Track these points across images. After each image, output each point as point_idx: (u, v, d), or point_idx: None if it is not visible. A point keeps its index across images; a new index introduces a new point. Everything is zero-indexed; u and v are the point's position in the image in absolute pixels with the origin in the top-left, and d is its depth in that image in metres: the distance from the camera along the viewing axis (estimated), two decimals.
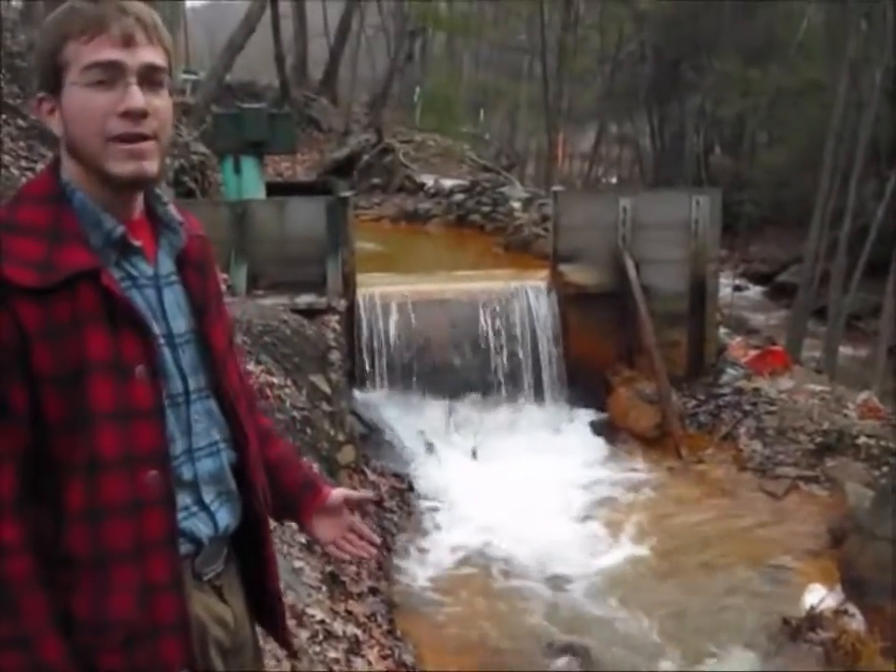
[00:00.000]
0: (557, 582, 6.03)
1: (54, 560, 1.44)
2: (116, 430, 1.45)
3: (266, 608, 1.79)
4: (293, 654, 1.93)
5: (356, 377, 8.31)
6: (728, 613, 5.60)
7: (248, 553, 1.74)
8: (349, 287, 8.51)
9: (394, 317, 8.54)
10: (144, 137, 1.47)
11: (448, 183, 15.52)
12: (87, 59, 1.44)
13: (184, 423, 1.58)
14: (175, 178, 10.66)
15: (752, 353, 9.50)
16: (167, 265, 1.60)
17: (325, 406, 6.51)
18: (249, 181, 10.73)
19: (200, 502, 1.60)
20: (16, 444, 1.42)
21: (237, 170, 10.72)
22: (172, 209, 1.62)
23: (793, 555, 6.24)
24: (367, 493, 2.22)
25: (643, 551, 6.45)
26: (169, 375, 1.55)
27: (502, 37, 30.78)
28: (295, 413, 5.90)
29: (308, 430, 5.95)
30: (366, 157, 17.68)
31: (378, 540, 2.03)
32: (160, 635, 1.50)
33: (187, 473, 1.57)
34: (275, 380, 6.09)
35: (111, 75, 1.45)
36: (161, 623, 1.50)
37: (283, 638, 1.89)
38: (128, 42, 1.45)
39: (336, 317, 7.99)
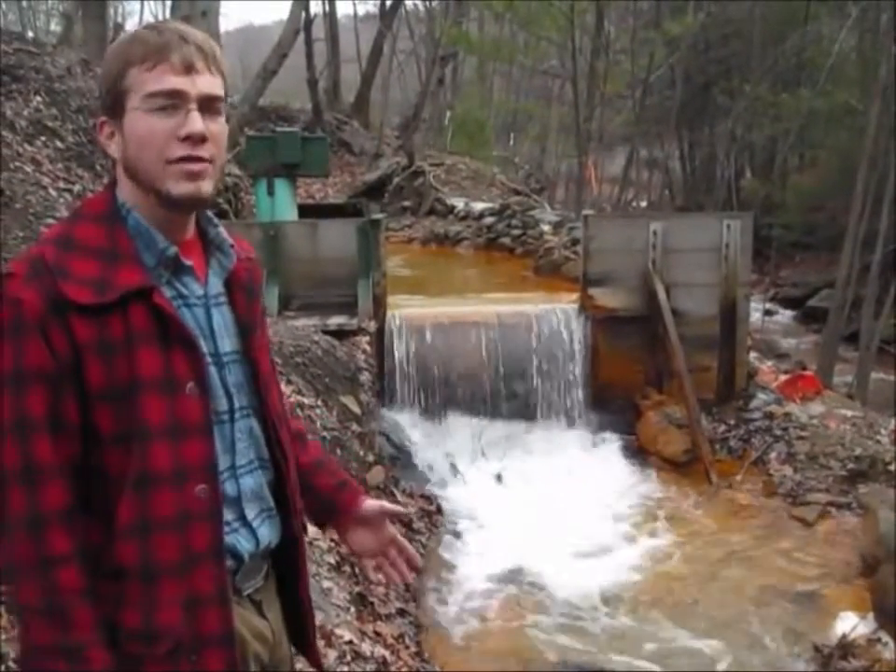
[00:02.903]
0: (585, 607, 6.00)
1: (102, 571, 1.48)
2: (167, 445, 1.50)
3: (297, 625, 1.82)
4: (321, 669, 1.93)
5: (385, 398, 8.34)
6: (759, 640, 5.55)
7: (283, 571, 1.77)
8: (380, 309, 8.55)
9: (424, 339, 8.57)
10: (201, 160, 1.53)
11: (478, 206, 15.58)
12: (150, 87, 1.50)
13: (228, 440, 1.62)
14: None
15: (783, 378, 9.42)
16: (217, 286, 1.65)
17: (355, 427, 6.54)
18: (282, 203, 10.84)
19: (242, 518, 1.64)
20: (68, 457, 1.46)
21: (270, 192, 10.84)
22: (223, 231, 1.68)
23: (825, 582, 6.17)
24: (402, 508, 2.24)
25: (672, 577, 6.40)
26: (215, 393, 1.60)
27: (533, 62, 30.89)
28: (325, 434, 5.93)
29: (338, 451, 5.98)
30: (397, 179, 17.81)
31: (420, 563, 2.06)
32: (205, 647, 1.54)
33: (230, 489, 1.61)
34: (306, 400, 6.13)
35: (173, 102, 1.51)
36: (207, 635, 1.53)
37: (313, 657, 1.91)
38: (188, 70, 1.51)
39: (367, 338, 8.03)
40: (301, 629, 1.83)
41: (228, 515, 1.60)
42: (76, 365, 1.45)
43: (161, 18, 32.28)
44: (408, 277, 11.86)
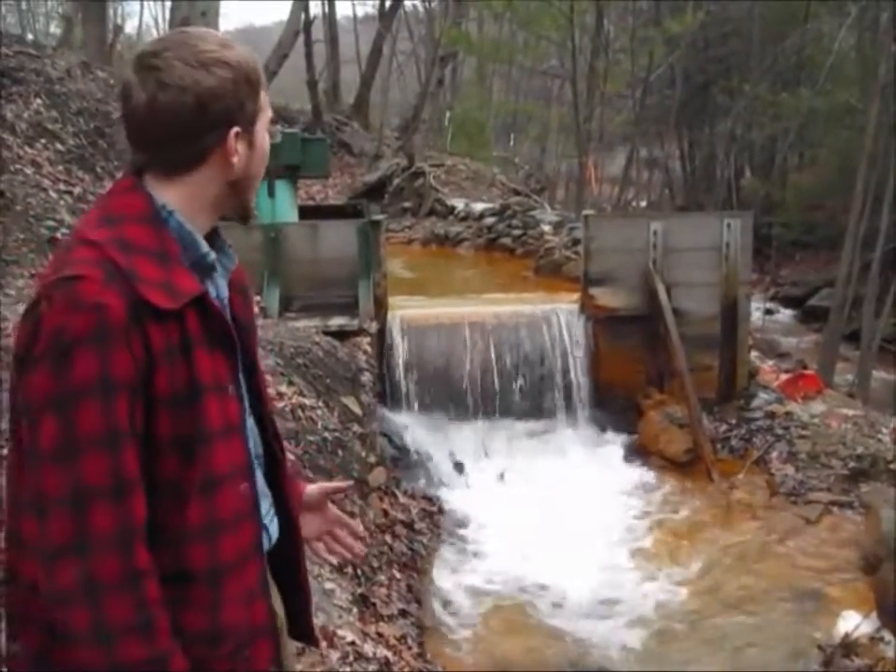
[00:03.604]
0: (588, 607, 6.01)
1: (160, 579, 1.45)
2: (225, 447, 1.53)
3: (296, 612, 1.87)
4: (318, 647, 2.04)
5: (387, 399, 8.35)
6: (761, 639, 5.55)
7: (282, 561, 1.80)
8: (381, 310, 8.56)
9: (425, 339, 8.57)
10: None
11: (478, 206, 15.57)
12: (270, 112, 1.66)
13: (247, 440, 1.65)
14: None
15: (784, 377, 9.42)
16: (224, 288, 1.66)
17: (356, 428, 6.54)
18: (282, 205, 10.83)
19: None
20: (141, 468, 1.44)
21: (271, 193, 10.82)
22: (223, 233, 1.69)
23: (827, 581, 6.18)
24: (343, 483, 2.30)
25: (674, 576, 6.41)
26: (242, 393, 1.64)
27: (533, 62, 30.90)
28: (327, 435, 5.93)
29: (339, 452, 5.98)
30: (397, 180, 17.80)
31: (363, 532, 2.12)
32: (256, 638, 1.59)
33: None
34: (307, 401, 6.13)
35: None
36: (258, 626, 1.60)
37: (314, 638, 1.98)
38: None
39: (368, 339, 8.03)
40: (299, 612, 1.87)
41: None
42: (147, 372, 1.43)
43: (160, 19, 32.29)
44: (408, 278, 11.86)
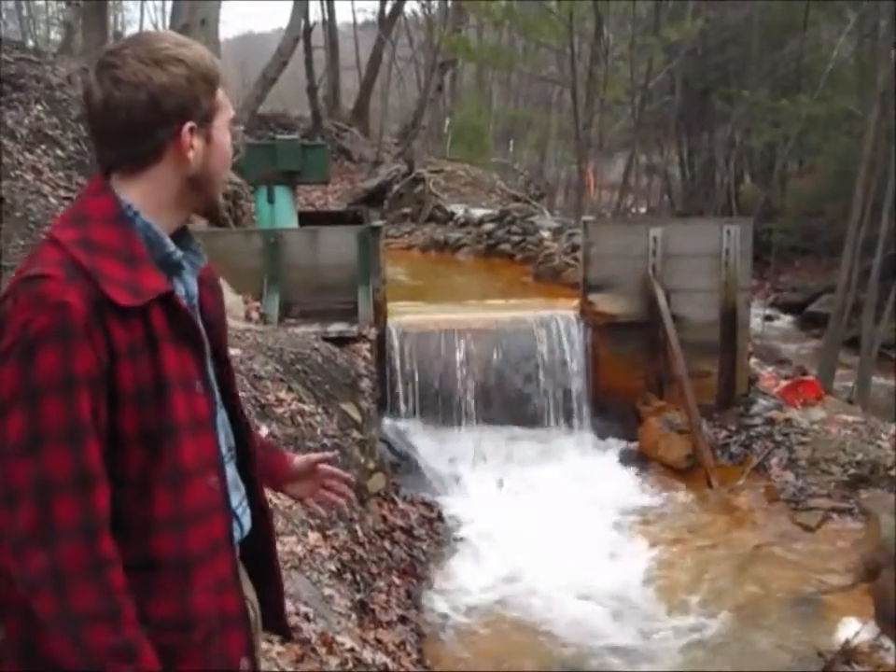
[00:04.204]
0: (586, 614, 6.00)
1: (125, 568, 1.48)
2: (192, 441, 1.56)
3: (269, 604, 1.88)
4: (291, 638, 2.07)
5: (386, 405, 8.34)
6: (761, 646, 5.54)
7: (254, 553, 1.83)
8: (380, 316, 8.56)
9: (424, 346, 8.57)
10: None
11: (478, 212, 15.57)
12: (230, 111, 1.67)
13: (217, 434, 1.68)
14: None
15: (784, 383, 9.43)
16: (193, 285, 1.69)
17: (355, 434, 6.54)
18: (282, 211, 10.84)
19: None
20: (106, 461, 1.47)
21: (270, 200, 10.84)
22: (191, 231, 1.72)
23: (826, 588, 6.17)
24: (329, 453, 2.32)
25: (673, 583, 6.40)
26: (210, 388, 1.67)
27: (532, 68, 30.92)
28: (326, 441, 5.93)
29: (339, 458, 5.96)
30: (396, 187, 17.81)
31: (351, 478, 2.22)
32: (227, 627, 1.62)
33: None
34: (306, 407, 6.13)
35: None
36: (229, 615, 1.63)
37: (286, 630, 2.03)
38: None
39: (367, 345, 8.03)
40: (273, 605, 1.89)
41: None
42: (110, 368, 1.46)
43: (160, 26, 32.33)
44: (408, 284, 11.86)
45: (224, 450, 1.70)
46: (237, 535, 1.71)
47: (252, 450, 1.82)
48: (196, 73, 1.58)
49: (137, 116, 1.54)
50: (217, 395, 1.71)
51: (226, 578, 1.62)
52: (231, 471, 1.72)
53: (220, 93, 1.63)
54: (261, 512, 1.83)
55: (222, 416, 1.72)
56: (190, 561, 1.55)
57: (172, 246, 1.60)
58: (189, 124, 1.57)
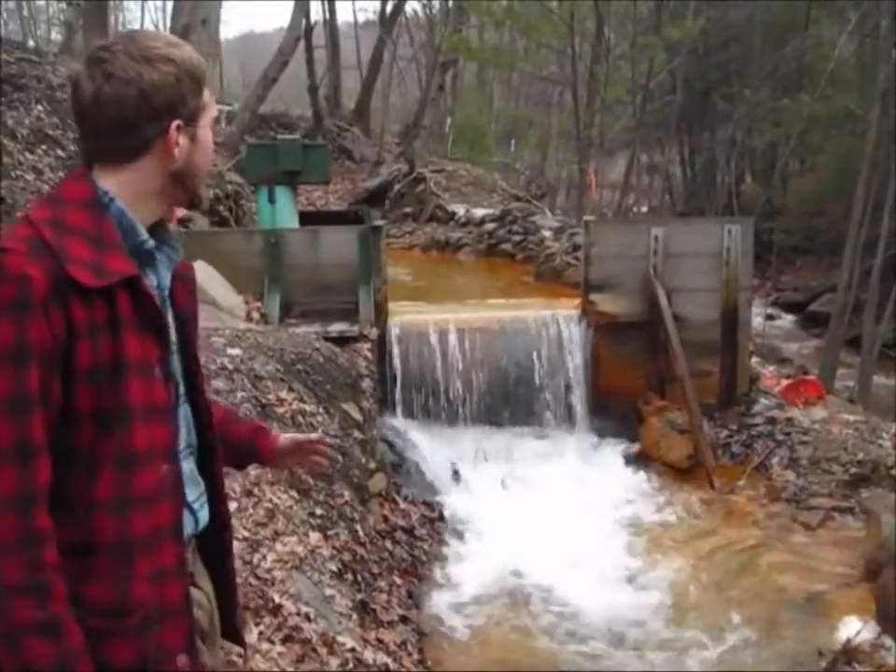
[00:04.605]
0: (588, 613, 5.99)
1: (64, 548, 1.48)
2: (144, 426, 1.57)
3: (222, 607, 1.88)
4: (244, 647, 2.06)
5: (387, 405, 8.34)
6: (762, 645, 5.54)
7: (211, 554, 1.86)
8: (381, 316, 8.56)
9: (425, 345, 8.56)
10: None
11: (479, 212, 15.58)
12: (214, 111, 1.71)
13: (174, 425, 1.69)
14: (209, 207, 10.81)
15: (785, 382, 9.43)
16: (166, 278, 1.72)
17: (356, 434, 6.54)
18: (283, 210, 10.85)
19: (184, 500, 1.70)
20: (51, 435, 1.48)
21: (271, 199, 10.85)
22: (169, 227, 1.76)
23: (828, 587, 6.16)
24: (313, 435, 2.33)
25: (675, 582, 6.39)
26: (171, 378, 1.68)
27: (533, 68, 30.92)
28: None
29: (340, 458, 5.97)
30: (398, 186, 17.82)
31: (329, 441, 2.38)
32: (167, 618, 1.60)
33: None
34: (307, 407, 6.13)
35: None
36: (169, 606, 1.61)
37: (238, 637, 1.98)
38: None
39: (368, 345, 8.03)
40: (226, 612, 1.89)
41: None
42: (66, 345, 1.48)
43: (161, 26, 32.36)
44: (409, 284, 11.86)
45: (182, 444, 1.71)
46: (191, 527, 1.72)
47: (214, 449, 1.83)
48: (184, 72, 1.62)
49: (127, 111, 1.57)
50: (182, 389, 1.73)
51: (169, 567, 1.61)
52: (188, 466, 1.73)
53: (206, 93, 1.67)
54: (219, 514, 1.84)
55: (185, 411, 1.74)
56: (132, 545, 1.55)
57: (145, 235, 1.62)
58: (176, 122, 1.61)
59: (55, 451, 1.49)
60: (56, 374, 1.48)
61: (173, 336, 1.70)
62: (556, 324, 8.79)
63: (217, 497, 1.83)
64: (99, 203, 1.59)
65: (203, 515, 1.77)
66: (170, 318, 1.70)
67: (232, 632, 1.93)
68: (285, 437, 2.14)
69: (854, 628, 5.45)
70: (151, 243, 1.63)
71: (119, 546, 1.54)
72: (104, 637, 1.52)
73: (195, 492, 1.75)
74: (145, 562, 1.56)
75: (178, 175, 1.66)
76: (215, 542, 1.84)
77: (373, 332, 8.24)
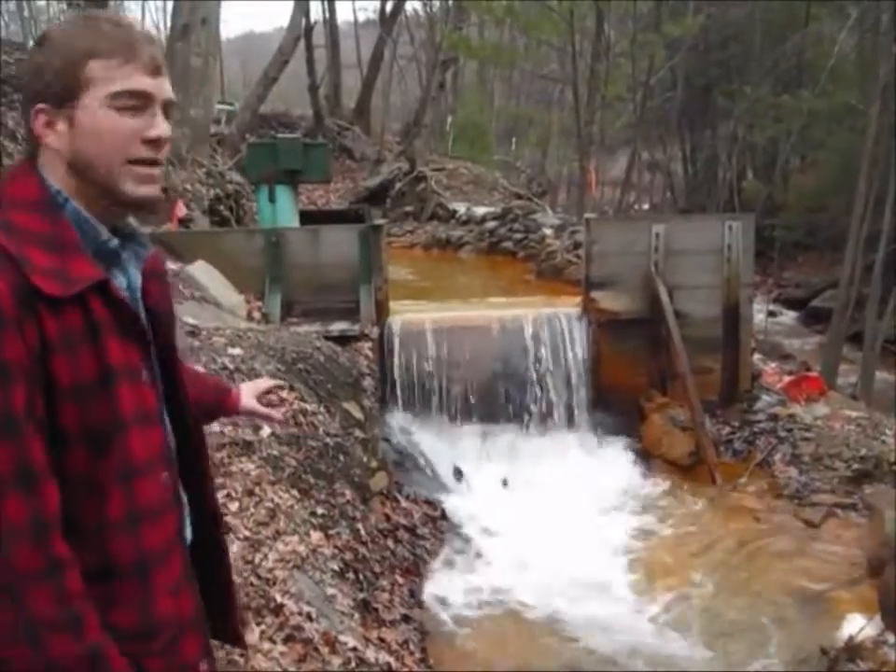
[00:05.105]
0: (589, 611, 5.99)
1: (83, 575, 1.40)
2: (141, 435, 1.49)
3: (221, 610, 1.81)
4: (245, 648, 2.01)
5: (388, 403, 8.34)
6: (764, 643, 5.53)
7: (203, 557, 1.75)
8: (382, 314, 8.55)
9: (426, 344, 8.56)
10: (158, 163, 1.53)
11: (480, 210, 15.58)
12: (117, 85, 1.46)
13: (166, 429, 1.63)
14: (210, 207, 10.81)
15: (787, 379, 9.41)
16: (137, 277, 1.61)
17: (358, 433, 6.53)
18: (284, 210, 10.85)
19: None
20: (49, 457, 1.39)
21: (272, 199, 10.85)
22: (134, 221, 1.64)
23: (830, 584, 6.15)
24: (272, 381, 2.40)
25: (677, 579, 6.39)
26: (155, 381, 1.60)
27: (534, 66, 30.91)
28: (328, 440, 5.92)
29: (341, 457, 5.96)
30: (398, 185, 17.84)
31: (281, 383, 2.52)
32: (185, 632, 1.55)
33: None
34: (308, 406, 6.12)
35: (139, 102, 1.48)
36: (187, 618, 1.56)
37: (240, 640, 1.93)
38: (156, 72, 1.50)
39: (369, 344, 8.02)
40: (225, 613, 1.83)
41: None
42: (43, 360, 1.38)
43: (161, 26, 32.34)
44: (410, 282, 11.86)
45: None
46: (187, 534, 1.67)
47: (200, 448, 1.77)
48: (55, 50, 1.48)
49: (22, 101, 1.54)
50: (162, 390, 1.64)
51: (181, 578, 1.56)
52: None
53: (93, 67, 1.46)
54: (211, 516, 1.78)
55: (167, 413, 1.67)
56: (149, 562, 1.48)
57: (106, 234, 1.51)
58: (38, 106, 1.48)
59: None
60: (39, 393, 1.37)
61: (150, 336, 1.61)
62: (558, 322, 8.78)
63: (207, 497, 1.77)
64: (54, 204, 1.48)
65: (188, 532, 1.70)
66: (144, 317, 1.60)
67: (233, 634, 1.87)
68: (245, 392, 2.21)
69: (857, 625, 5.44)
70: (115, 241, 1.53)
71: (138, 564, 1.47)
72: (133, 661, 1.44)
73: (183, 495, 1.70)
74: (162, 576, 1.51)
75: (72, 166, 1.49)
76: (209, 543, 1.77)
77: (374, 331, 8.24)
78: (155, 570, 1.50)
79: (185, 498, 1.68)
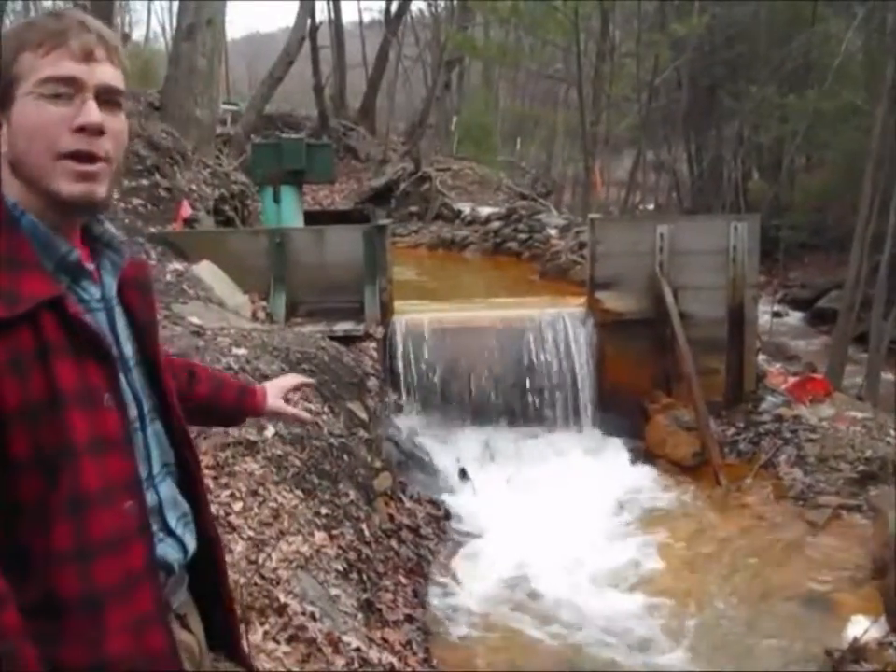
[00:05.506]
0: (594, 612, 5.98)
1: (25, 612, 1.32)
2: (95, 463, 1.39)
3: (221, 627, 1.76)
4: (249, 666, 1.93)
5: (393, 404, 8.33)
6: (768, 644, 5.52)
7: (201, 574, 1.70)
8: (387, 314, 8.56)
9: (431, 344, 8.56)
10: (96, 158, 1.41)
11: (485, 211, 15.60)
12: (43, 72, 1.38)
13: (142, 448, 1.53)
14: (214, 207, 10.82)
15: (792, 380, 9.39)
16: (112, 286, 1.54)
17: (362, 433, 6.53)
18: (288, 210, 10.86)
19: (166, 527, 1.56)
20: None
21: (276, 199, 10.85)
22: (111, 228, 1.57)
23: (835, 585, 6.14)
24: (297, 378, 2.32)
25: (681, 580, 6.38)
26: (127, 400, 1.50)
27: (539, 66, 30.92)
28: (332, 440, 5.92)
29: (345, 457, 5.97)
30: (403, 185, 17.84)
31: (309, 381, 2.42)
32: (156, 667, 1.46)
33: (151, 500, 1.53)
34: (313, 407, 6.12)
35: (68, 89, 1.39)
36: (154, 656, 1.45)
37: (242, 658, 1.86)
38: (87, 57, 1.40)
39: (374, 344, 8.03)
40: (225, 631, 1.78)
41: (153, 526, 1.52)
42: None
43: (167, 27, 32.37)
44: (415, 282, 11.86)
45: (157, 467, 1.56)
46: (179, 557, 1.58)
47: (194, 462, 1.68)
48: (2, 45, 1.41)
49: None
50: (148, 406, 1.56)
51: (149, 613, 1.45)
52: (166, 489, 1.58)
53: (22, 60, 1.39)
54: (207, 539, 1.69)
55: (155, 430, 1.57)
56: (100, 598, 1.38)
57: (64, 247, 1.43)
58: None
59: (2, 504, 1.33)
60: None
61: (128, 350, 1.53)
62: (562, 322, 8.77)
63: (200, 516, 1.67)
64: (9, 218, 1.40)
65: (190, 539, 1.62)
66: (123, 329, 1.53)
67: (234, 652, 1.82)
68: (272, 398, 2.13)
69: (862, 627, 5.43)
70: (75, 254, 1.44)
71: (88, 600, 1.37)
72: None
73: (175, 515, 1.59)
74: (119, 613, 1.40)
75: (14, 169, 1.41)
76: (206, 562, 1.69)
77: (379, 331, 8.24)
78: (110, 606, 1.39)
79: (174, 519, 1.59)
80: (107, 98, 1.43)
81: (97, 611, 1.38)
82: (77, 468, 1.36)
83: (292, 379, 2.28)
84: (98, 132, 1.40)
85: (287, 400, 2.20)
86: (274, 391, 2.16)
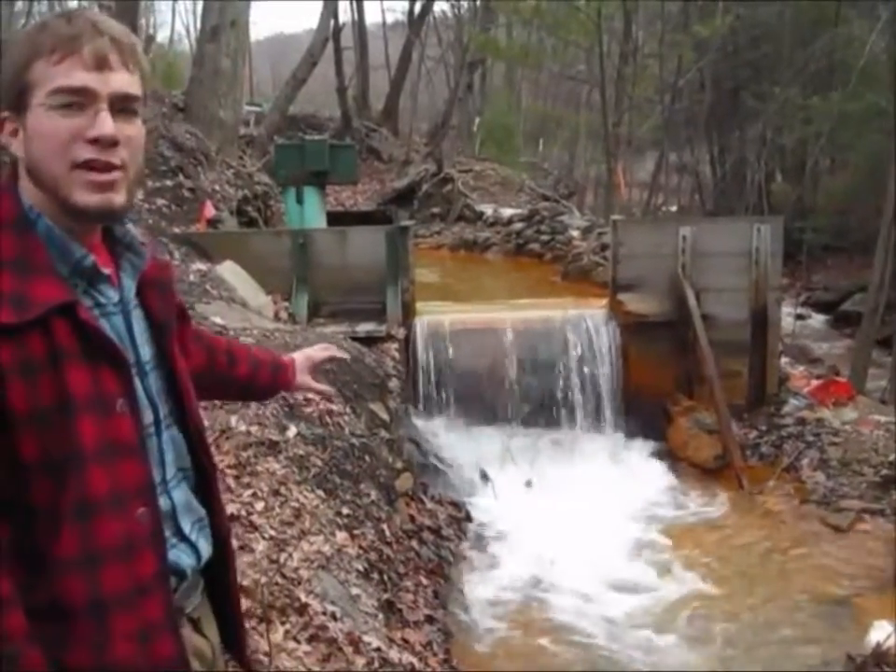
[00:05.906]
0: (614, 615, 5.97)
1: (35, 613, 1.33)
2: (105, 469, 1.38)
3: (228, 628, 1.76)
4: (249, 669, 1.93)
5: (414, 405, 8.35)
6: (791, 648, 5.50)
7: (213, 576, 1.69)
8: (408, 315, 8.57)
9: (453, 345, 8.56)
10: (112, 167, 1.40)
11: (507, 212, 15.58)
12: (56, 82, 1.37)
13: (157, 453, 1.52)
14: (238, 208, 10.87)
15: (815, 383, 9.33)
16: (131, 289, 1.53)
17: (383, 433, 6.55)
18: (311, 211, 10.90)
19: (179, 533, 1.56)
20: (8, 490, 1.33)
21: (299, 200, 10.90)
22: (132, 229, 1.56)
23: (858, 590, 6.11)
24: (326, 351, 2.32)
25: (703, 584, 6.35)
26: (142, 406, 1.49)
27: (561, 67, 30.86)
28: (354, 441, 5.95)
29: (367, 458, 5.99)
30: (426, 186, 17.85)
31: (340, 354, 2.42)
32: None
33: (165, 505, 1.52)
34: (335, 407, 6.15)
35: (81, 99, 1.38)
36: (161, 663, 1.45)
37: (244, 658, 1.85)
38: (101, 65, 1.38)
39: (395, 345, 8.05)
40: (231, 631, 1.77)
41: (166, 532, 1.51)
42: (0, 389, 1.30)
43: (191, 29, 32.56)
44: (437, 284, 11.87)
45: (172, 472, 1.55)
46: (192, 563, 1.57)
47: (210, 466, 1.66)
48: (9, 56, 1.41)
49: None
50: (165, 411, 1.55)
51: (157, 622, 1.44)
52: (181, 494, 1.57)
53: (35, 68, 1.38)
54: (220, 540, 1.68)
55: (171, 433, 1.56)
56: (106, 605, 1.38)
57: (79, 251, 1.42)
58: (3, 114, 1.42)
59: (13, 508, 1.34)
60: None
61: (145, 353, 1.52)
62: (584, 324, 8.76)
63: (214, 520, 1.66)
64: (25, 222, 1.40)
65: (205, 545, 1.60)
66: (141, 332, 1.52)
67: (239, 654, 1.81)
68: (300, 374, 2.19)
69: (885, 632, 5.38)
70: (90, 259, 1.43)
71: (94, 606, 1.37)
72: None
73: (189, 520, 1.58)
74: (126, 620, 1.39)
75: (31, 175, 1.42)
76: (219, 571, 1.68)
77: (401, 332, 8.26)
78: (116, 613, 1.39)
79: (188, 525, 1.58)
80: (122, 106, 1.41)
81: (103, 617, 1.38)
82: (84, 474, 1.36)
83: (322, 351, 2.28)
84: (112, 143, 1.39)
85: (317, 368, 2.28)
86: (304, 365, 2.22)
